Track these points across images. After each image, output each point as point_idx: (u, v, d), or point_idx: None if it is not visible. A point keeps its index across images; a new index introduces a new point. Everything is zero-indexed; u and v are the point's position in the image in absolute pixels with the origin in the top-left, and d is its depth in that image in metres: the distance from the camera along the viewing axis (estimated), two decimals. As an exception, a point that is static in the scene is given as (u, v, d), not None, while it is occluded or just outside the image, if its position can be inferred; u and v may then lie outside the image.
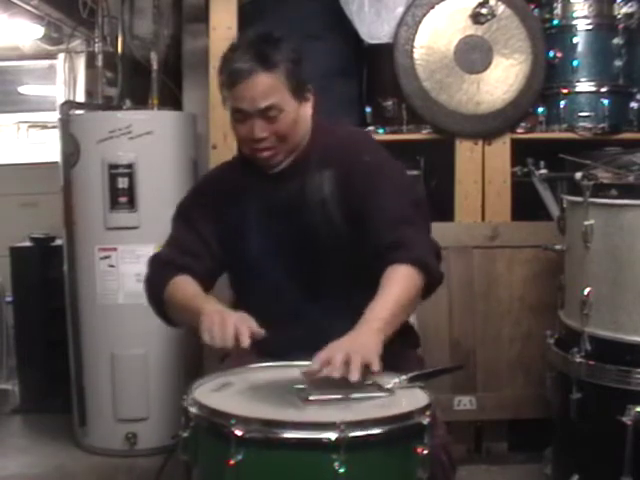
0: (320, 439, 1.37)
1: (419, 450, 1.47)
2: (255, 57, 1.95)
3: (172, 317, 2.05)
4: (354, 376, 1.57)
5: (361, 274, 1.93)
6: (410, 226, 1.93)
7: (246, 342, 1.68)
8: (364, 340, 1.68)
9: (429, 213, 2.07)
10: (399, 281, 1.84)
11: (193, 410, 1.51)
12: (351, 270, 1.99)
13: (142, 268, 3.19)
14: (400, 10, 3.09)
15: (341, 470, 1.36)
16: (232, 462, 1.38)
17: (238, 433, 1.38)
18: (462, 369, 1.96)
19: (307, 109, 2.06)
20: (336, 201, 2.02)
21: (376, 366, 1.61)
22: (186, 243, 2.10)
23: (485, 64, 3.07)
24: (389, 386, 1.64)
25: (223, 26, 3.11)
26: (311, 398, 1.55)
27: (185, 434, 1.51)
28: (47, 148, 5.30)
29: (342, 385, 1.61)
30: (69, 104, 3.44)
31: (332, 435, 1.37)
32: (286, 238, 2.04)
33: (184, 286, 2.00)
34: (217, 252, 2.10)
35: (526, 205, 3.19)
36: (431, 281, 1.90)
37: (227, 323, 1.71)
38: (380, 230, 1.92)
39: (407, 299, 1.84)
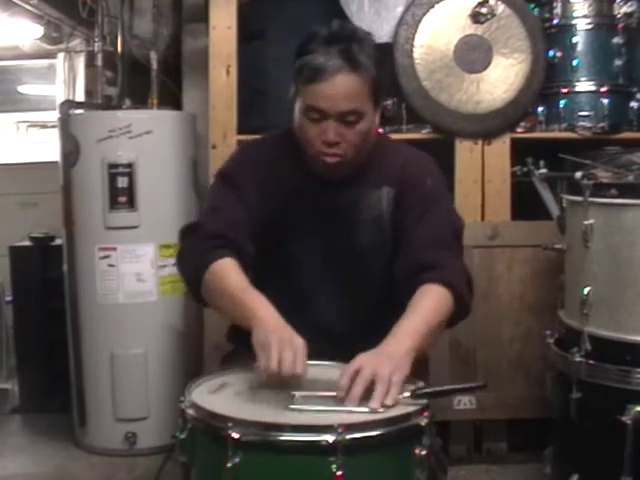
0: (317, 442, 1.37)
1: (417, 451, 1.46)
2: (341, 54, 1.78)
3: (208, 300, 1.81)
4: (375, 404, 1.50)
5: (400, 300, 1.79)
6: (447, 251, 1.84)
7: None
8: (394, 361, 1.57)
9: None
10: (431, 301, 1.74)
11: (190, 412, 1.50)
12: (391, 294, 1.87)
13: (142, 267, 3.27)
14: (400, 10, 3.08)
15: (339, 473, 1.36)
16: (229, 465, 1.38)
17: (235, 436, 1.38)
18: (485, 388, 1.87)
19: (377, 117, 1.92)
20: (391, 220, 1.92)
21: (395, 393, 1.52)
22: (235, 216, 1.85)
23: (485, 63, 3.07)
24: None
25: (223, 26, 3.11)
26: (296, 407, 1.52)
27: (182, 436, 1.51)
28: (47, 148, 5.30)
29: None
30: (69, 103, 3.43)
31: (329, 438, 1.36)
32: (330, 250, 1.93)
33: (233, 273, 1.75)
34: (258, 235, 1.88)
35: (526, 205, 3.18)
36: (460, 308, 1.80)
37: (295, 352, 1.56)
38: (417, 252, 1.82)
39: (437, 321, 1.73)
